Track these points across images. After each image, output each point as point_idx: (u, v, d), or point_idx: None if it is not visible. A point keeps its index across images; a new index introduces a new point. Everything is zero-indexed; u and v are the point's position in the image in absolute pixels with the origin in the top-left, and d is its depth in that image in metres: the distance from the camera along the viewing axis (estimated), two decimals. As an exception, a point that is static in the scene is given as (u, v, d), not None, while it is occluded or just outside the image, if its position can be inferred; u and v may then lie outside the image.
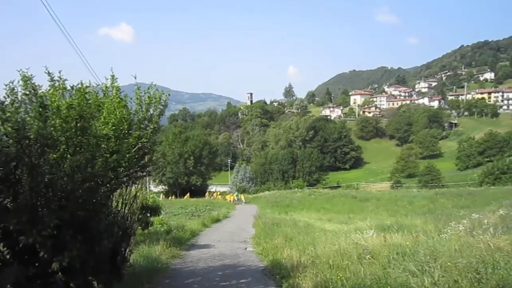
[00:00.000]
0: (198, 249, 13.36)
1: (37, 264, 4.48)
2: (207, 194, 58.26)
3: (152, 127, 6.49)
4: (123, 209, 6.93)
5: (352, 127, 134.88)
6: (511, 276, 5.46)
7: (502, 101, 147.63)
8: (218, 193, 58.97)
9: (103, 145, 5.48)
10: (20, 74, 4.84)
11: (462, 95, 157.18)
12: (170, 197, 53.10)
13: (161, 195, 53.90)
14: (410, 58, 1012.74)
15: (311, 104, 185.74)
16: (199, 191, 57.59)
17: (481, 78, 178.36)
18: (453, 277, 5.71)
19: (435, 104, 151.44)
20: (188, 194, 53.82)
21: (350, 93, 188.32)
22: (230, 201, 46.25)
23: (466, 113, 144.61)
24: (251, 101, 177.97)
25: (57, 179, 4.63)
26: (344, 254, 8.26)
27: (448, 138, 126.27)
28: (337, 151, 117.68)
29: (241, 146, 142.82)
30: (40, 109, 4.58)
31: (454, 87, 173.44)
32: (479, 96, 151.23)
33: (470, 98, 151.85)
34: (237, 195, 50.41)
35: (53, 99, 5.05)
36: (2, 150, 4.26)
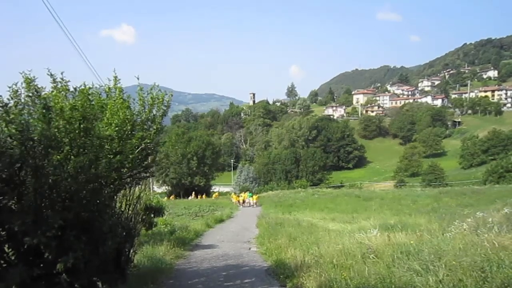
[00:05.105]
0: (202, 250, 13.37)
1: (41, 264, 4.51)
2: (232, 195, 49.28)
3: (155, 127, 6.51)
4: (127, 210, 6.95)
5: (355, 127, 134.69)
6: (517, 274, 5.41)
7: (506, 99, 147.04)
8: (246, 194, 45.14)
9: (106, 146, 5.50)
10: (23, 76, 4.86)
11: (465, 93, 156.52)
12: (196, 196, 51.00)
13: (191, 196, 52.24)
14: (413, 57, 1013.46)
15: (314, 103, 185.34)
16: (202, 192, 57.63)
17: (485, 76, 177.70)
18: (458, 276, 5.68)
19: (438, 102, 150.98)
20: (217, 193, 53.53)
21: (353, 92, 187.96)
22: (238, 202, 41.30)
23: (469, 111, 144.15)
24: (254, 101, 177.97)
25: (61, 180, 4.65)
26: (348, 254, 8.24)
27: (451, 136, 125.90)
28: (340, 150, 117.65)
29: (244, 146, 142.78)
30: (44, 111, 4.60)
31: (457, 85, 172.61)
32: (483, 94, 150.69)
33: (474, 96, 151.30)
34: (250, 195, 43.27)
35: (56, 100, 5.08)
36: (6, 151, 4.28)
